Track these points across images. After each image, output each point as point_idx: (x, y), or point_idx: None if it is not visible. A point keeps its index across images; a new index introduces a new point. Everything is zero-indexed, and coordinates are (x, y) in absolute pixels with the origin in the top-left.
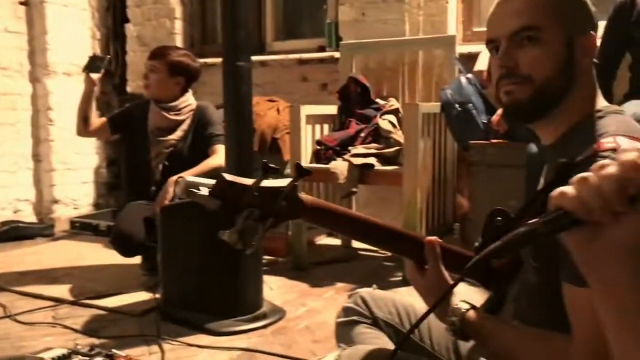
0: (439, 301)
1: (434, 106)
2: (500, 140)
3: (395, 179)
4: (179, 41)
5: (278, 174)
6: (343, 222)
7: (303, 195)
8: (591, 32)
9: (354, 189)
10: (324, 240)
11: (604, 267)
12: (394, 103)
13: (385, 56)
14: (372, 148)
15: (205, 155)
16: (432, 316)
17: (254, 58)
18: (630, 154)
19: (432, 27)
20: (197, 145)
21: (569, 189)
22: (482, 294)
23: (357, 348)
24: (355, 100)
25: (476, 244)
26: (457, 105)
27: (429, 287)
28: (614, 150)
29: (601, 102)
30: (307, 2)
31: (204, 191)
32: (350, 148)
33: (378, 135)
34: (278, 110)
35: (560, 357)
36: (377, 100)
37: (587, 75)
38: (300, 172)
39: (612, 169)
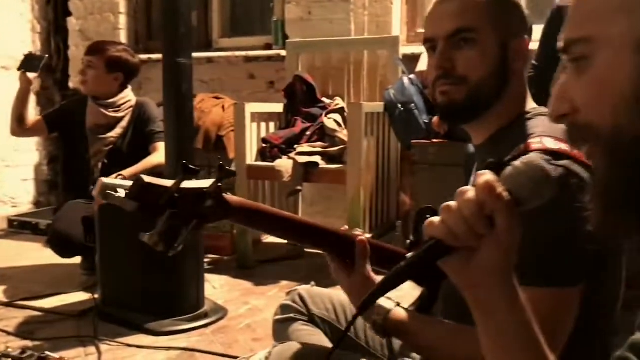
0: (364, 309)
1: (378, 106)
2: (441, 140)
3: (339, 177)
4: (123, 36)
5: (198, 174)
6: (272, 222)
7: (229, 196)
8: (524, 36)
9: (299, 188)
10: (270, 238)
11: (478, 290)
12: (339, 102)
13: (331, 55)
14: (318, 147)
15: (146, 152)
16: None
17: (200, 55)
18: (484, 177)
19: (377, 28)
20: (138, 143)
21: (436, 218)
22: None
23: (288, 345)
24: (301, 99)
25: (408, 241)
26: (399, 106)
27: (355, 285)
28: (540, 150)
29: (530, 104)
30: None
31: (121, 193)
32: (295, 146)
33: (323, 134)
34: (223, 107)
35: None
36: (323, 99)
37: (519, 77)
38: (224, 173)
39: (470, 194)
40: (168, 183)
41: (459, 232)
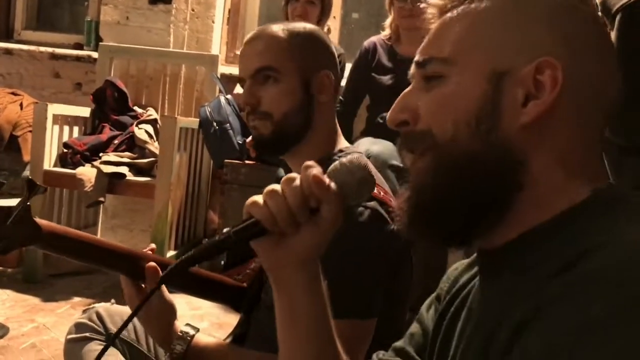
0: (140, 306)
1: (193, 122)
2: (253, 162)
3: (147, 190)
4: None
5: None
6: (88, 252)
7: (40, 220)
8: (326, 70)
9: (101, 199)
10: None
11: (282, 272)
12: (152, 113)
13: (147, 64)
14: (125, 157)
15: None
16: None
17: None
18: (313, 170)
19: (196, 44)
20: None
21: (259, 199)
22: None
23: None
24: (111, 105)
25: (222, 262)
26: (215, 124)
27: (156, 311)
28: None
29: (343, 143)
30: None
31: None
32: (101, 154)
33: (133, 144)
34: (21, 105)
35: None
36: (135, 107)
37: (327, 112)
38: (32, 189)
39: (297, 182)
40: None
41: (279, 217)
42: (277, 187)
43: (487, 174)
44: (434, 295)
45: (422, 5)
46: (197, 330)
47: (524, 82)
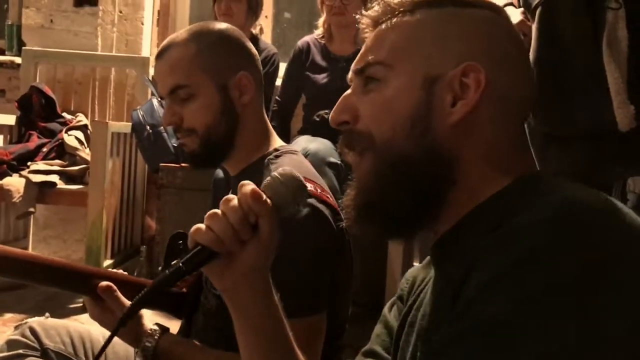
0: (111, 337)
1: (125, 126)
2: (190, 164)
3: (79, 199)
4: None
5: None
6: (18, 267)
7: None
8: (243, 71)
9: (31, 209)
10: None
11: (235, 291)
12: (82, 119)
13: (75, 69)
14: (55, 165)
15: None
16: (110, 346)
17: None
18: (248, 187)
19: (126, 46)
20: None
21: (202, 225)
22: None
23: None
24: (38, 112)
25: (160, 268)
26: (148, 127)
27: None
28: None
29: (278, 142)
30: None
31: None
32: (29, 163)
33: (63, 152)
34: None
35: None
36: (64, 114)
37: (253, 112)
38: None
39: (235, 202)
40: None
41: (225, 237)
42: (216, 210)
43: (422, 172)
44: (395, 296)
45: (349, 2)
46: (167, 328)
47: (452, 85)
